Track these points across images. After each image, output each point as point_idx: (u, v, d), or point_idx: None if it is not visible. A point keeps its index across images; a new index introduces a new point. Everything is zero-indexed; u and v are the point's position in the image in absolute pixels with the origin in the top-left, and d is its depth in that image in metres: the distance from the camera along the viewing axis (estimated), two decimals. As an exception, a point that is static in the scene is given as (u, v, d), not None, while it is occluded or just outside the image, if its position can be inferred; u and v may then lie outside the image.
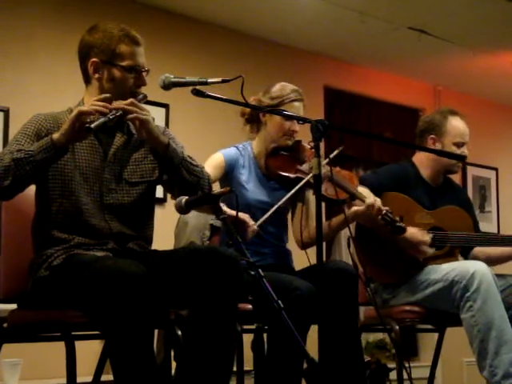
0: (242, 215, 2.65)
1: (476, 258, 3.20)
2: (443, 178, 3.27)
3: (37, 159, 2.11)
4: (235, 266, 2.13)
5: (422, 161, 3.21)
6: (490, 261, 3.17)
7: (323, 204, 2.33)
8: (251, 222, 2.67)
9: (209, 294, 2.10)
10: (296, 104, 2.85)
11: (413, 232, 2.99)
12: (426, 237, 3.01)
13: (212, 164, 2.80)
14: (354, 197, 2.82)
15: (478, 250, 3.25)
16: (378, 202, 2.80)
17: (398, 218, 2.85)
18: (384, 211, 2.81)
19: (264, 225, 2.77)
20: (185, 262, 2.17)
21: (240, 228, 2.65)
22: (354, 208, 2.81)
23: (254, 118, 2.94)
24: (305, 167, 2.87)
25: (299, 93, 2.88)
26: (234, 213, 2.61)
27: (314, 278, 2.34)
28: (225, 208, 2.58)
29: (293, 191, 2.77)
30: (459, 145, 3.17)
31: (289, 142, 2.88)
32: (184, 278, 2.15)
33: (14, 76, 4.03)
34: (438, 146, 3.16)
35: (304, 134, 2.83)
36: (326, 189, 2.67)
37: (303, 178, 2.81)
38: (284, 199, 2.77)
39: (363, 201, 2.80)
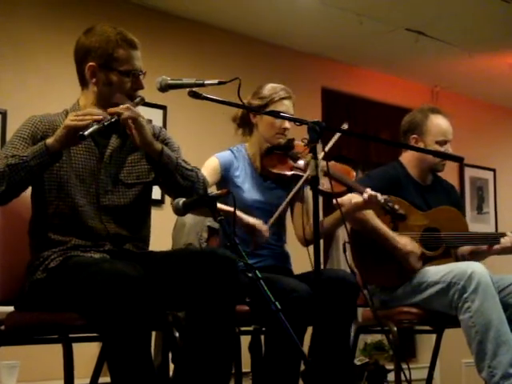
0: (254, 221, 2.69)
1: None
2: (432, 177, 3.27)
3: (31, 165, 2.11)
4: (232, 267, 2.13)
5: (409, 160, 3.21)
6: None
7: (321, 199, 2.33)
8: (264, 228, 2.69)
9: (206, 295, 2.10)
10: (285, 102, 2.86)
11: (404, 243, 2.99)
12: (417, 248, 3.01)
13: (208, 169, 2.81)
14: (351, 189, 2.82)
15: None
16: (374, 192, 2.79)
17: (397, 206, 2.84)
18: (383, 200, 2.80)
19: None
20: (182, 263, 2.17)
21: (252, 233, 2.67)
22: (354, 200, 2.81)
23: (245, 121, 2.94)
24: (300, 164, 2.88)
25: (287, 91, 2.89)
26: (246, 218, 2.66)
27: (313, 285, 2.34)
28: (239, 213, 2.60)
29: (297, 186, 2.78)
30: (442, 143, 3.15)
31: (281, 140, 2.89)
32: (181, 278, 2.15)
33: (12, 78, 4.03)
34: (421, 146, 3.16)
35: (295, 132, 2.84)
36: (323, 183, 2.66)
37: (300, 175, 2.82)
38: (290, 195, 2.77)
39: (361, 192, 2.80)
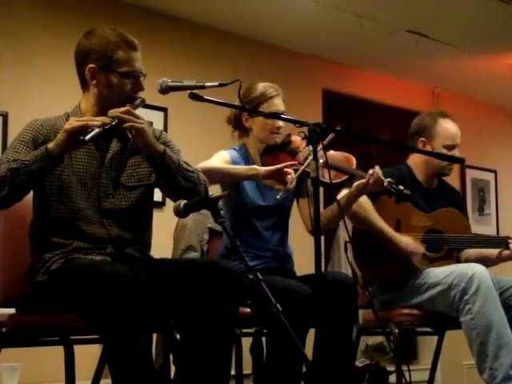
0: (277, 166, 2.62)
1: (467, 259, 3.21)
2: (437, 181, 3.27)
3: (32, 169, 2.11)
4: (233, 276, 2.14)
5: (416, 163, 3.21)
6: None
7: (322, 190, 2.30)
8: (289, 170, 2.63)
9: (208, 298, 2.11)
10: (275, 101, 2.84)
11: (407, 242, 2.99)
12: (420, 248, 3.01)
13: (219, 159, 2.78)
14: (353, 176, 2.80)
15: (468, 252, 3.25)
16: (377, 171, 2.76)
17: (401, 187, 2.81)
18: (386, 182, 2.79)
19: (266, 227, 2.80)
20: (183, 271, 2.17)
21: (281, 178, 2.61)
22: (355, 183, 2.78)
23: (238, 124, 2.93)
24: (299, 158, 2.86)
25: (275, 88, 2.86)
26: (267, 168, 2.61)
27: (314, 288, 2.34)
28: (259, 168, 2.56)
29: (301, 169, 2.71)
30: (449, 147, 3.15)
31: (277, 140, 2.86)
32: (182, 286, 2.15)
33: (13, 80, 4.03)
34: (428, 149, 3.16)
35: (292, 128, 2.82)
36: (323, 174, 2.64)
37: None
38: (298, 173, 2.68)
39: (363, 177, 2.77)
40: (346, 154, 2.90)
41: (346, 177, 2.79)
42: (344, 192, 2.83)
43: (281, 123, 2.85)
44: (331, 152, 2.81)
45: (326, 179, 2.61)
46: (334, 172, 2.69)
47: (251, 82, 2.90)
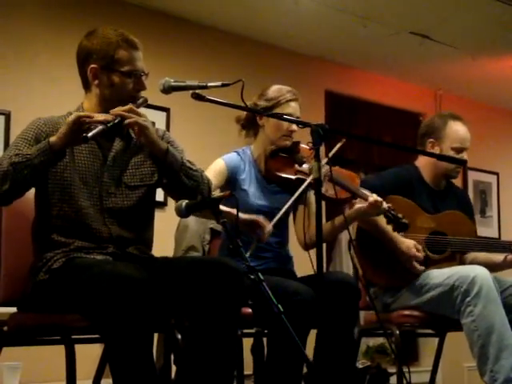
0: (257, 217, 2.66)
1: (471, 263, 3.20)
2: (445, 183, 3.26)
3: (34, 162, 2.11)
4: (238, 276, 2.13)
5: (424, 165, 3.21)
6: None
7: (324, 204, 2.32)
8: (267, 223, 2.67)
9: (210, 299, 2.10)
10: (292, 104, 2.85)
11: (409, 246, 2.98)
12: (420, 253, 3.00)
13: (214, 171, 2.79)
14: (355, 195, 2.81)
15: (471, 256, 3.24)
16: (379, 199, 2.79)
17: (400, 215, 2.83)
18: (387, 208, 2.80)
19: None
20: (186, 270, 2.17)
21: (255, 230, 2.65)
22: (357, 206, 2.80)
23: (250, 122, 2.93)
24: (305, 168, 2.86)
25: (294, 93, 2.88)
26: (247, 216, 2.62)
27: (316, 288, 2.34)
28: (240, 214, 2.59)
29: (300, 189, 2.76)
30: (458, 150, 3.15)
31: (288, 143, 2.88)
32: (185, 285, 2.15)
33: (15, 79, 4.03)
34: (437, 150, 3.16)
35: (302, 136, 2.84)
36: (327, 189, 2.66)
37: (304, 179, 2.80)
38: (294, 197, 2.75)
39: (365, 199, 2.79)
40: (352, 173, 2.92)
41: (349, 195, 2.80)
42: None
43: (295, 127, 2.85)
44: (337, 168, 2.83)
45: (328, 194, 2.63)
46: (338, 188, 2.70)
47: (270, 84, 2.91)
